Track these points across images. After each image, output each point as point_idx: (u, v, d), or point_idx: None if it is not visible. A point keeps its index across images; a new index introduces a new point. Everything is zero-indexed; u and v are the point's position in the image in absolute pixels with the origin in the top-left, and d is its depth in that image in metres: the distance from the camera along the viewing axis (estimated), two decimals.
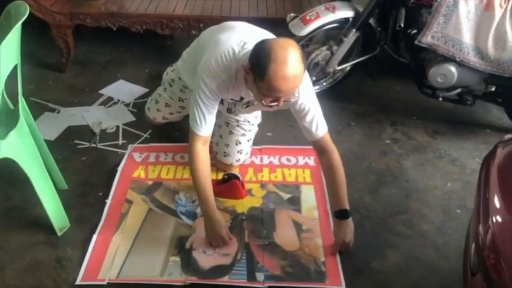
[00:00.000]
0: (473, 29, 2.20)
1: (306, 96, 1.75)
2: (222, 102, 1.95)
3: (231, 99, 1.89)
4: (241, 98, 1.87)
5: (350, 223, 1.82)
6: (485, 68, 2.26)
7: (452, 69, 2.32)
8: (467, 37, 2.22)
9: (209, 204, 1.79)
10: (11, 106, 1.82)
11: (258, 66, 1.52)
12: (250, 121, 2.15)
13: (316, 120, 1.81)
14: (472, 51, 2.24)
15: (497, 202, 1.24)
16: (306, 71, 1.75)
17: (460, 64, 2.29)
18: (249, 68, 1.58)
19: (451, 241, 1.89)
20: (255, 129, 2.21)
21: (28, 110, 1.87)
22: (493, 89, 2.38)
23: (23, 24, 1.54)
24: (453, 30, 2.22)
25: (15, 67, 1.60)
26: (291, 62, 1.48)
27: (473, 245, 1.29)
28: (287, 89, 1.53)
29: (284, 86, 1.51)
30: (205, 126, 1.76)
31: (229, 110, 2.05)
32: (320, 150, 1.87)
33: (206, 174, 1.79)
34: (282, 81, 1.50)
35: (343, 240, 1.80)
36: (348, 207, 1.82)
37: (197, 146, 1.77)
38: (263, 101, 1.61)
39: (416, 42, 2.29)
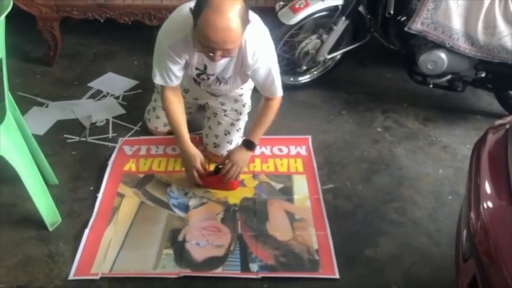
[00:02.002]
0: (462, 14, 2.20)
1: (266, 66, 1.79)
2: (199, 84, 2.01)
3: (197, 68, 1.87)
4: (205, 68, 1.86)
5: (248, 154, 1.99)
6: (475, 53, 2.26)
7: (442, 55, 2.31)
8: (457, 23, 2.21)
9: (184, 140, 1.91)
10: None
11: (195, 10, 1.54)
12: (238, 110, 2.15)
13: (273, 87, 1.88)
14: (461, 37, 2.23)
15: (488, 188, 1.25)
16: (269, 40, 1.82)
17: (450, 50, 2.28)
18: (191, 12, 1.59)
19: (443, 227, 1.90)
20: (244, 118, 2.20)
21: (15, 105, 1.84)
22: (483, 75, 2.38)
23: (9, 17, 1.51)
24: (443, 17, 2.21)
25: (0, 62, 1.57)
26: (225, 12, 1.48)
27: (465, 231, 1.30)
28: (217, 39, 1.51)
29: (213, 36, 1.50)
30: (167, 79, 1.84)
31: (208, 88, 2.05)
32: (267, 99, 1.97)
33: (178, 114, 1.91)
34: (212, 30, 1.49)
35: (235, 163, 1.94)
36: (257, 143, 1.98)
37: (167, 93, 1.89)
38: (197, 48, 1.64)
39: (406, 29, 2.28)
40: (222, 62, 1.77)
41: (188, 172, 1.96)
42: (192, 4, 1.64)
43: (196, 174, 1.93)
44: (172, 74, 1.82)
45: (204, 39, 1.54)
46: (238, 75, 1.89)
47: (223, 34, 1.51)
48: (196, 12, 1.53)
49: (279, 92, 1.92)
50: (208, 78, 1.93)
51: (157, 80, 1.85)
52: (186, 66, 1.86)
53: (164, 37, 1.75)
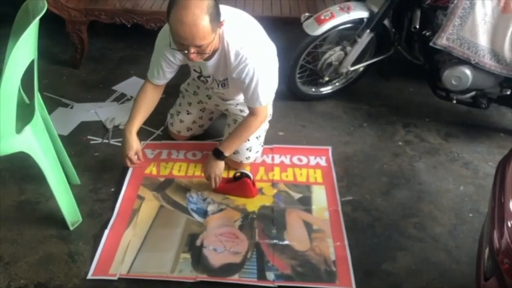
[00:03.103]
0: (489, 31, 2.18)
1: (251, 70, 1.81)
2: (208, 89, 2.10)
3: (195, 71, 1.98)
4: (201, 69, 1.95)
5: (220, 164, 2.02)
6: (501, 71, 2.24)
7: (467, 71, 2.30)
8: (483, 40, 2.20)
9: (132, 125, 1.95)
10: (27, 101, 1.83)
11: (167, 11, 1.62)
12: None
13: (256, 94, 1.87)
14: (487, 54, 2.22)
15: None
16: (258, 44, 1.86)
17: (475, 67, 2.27)
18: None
19: (463, 245, 1.88)
20: (264, 126, 2.20)
21: (43, 105, 1.89)
22: (508, 92, 2.35)
23: (39, 19, 1.55)
24: (469, 33, 2.20)
25: (32, 62, 1.61)
26: (191, 8, 1.55)
27: (487, 249, 1.28)
28: (185, 35, 1.59)
29: (181, 31, 1.58)
30: (157, 76, 1.95)
31: (211, 91, 2.13)
32: (251, 113, 1.97)
33: (144, 104, 1.98)
34: (179, 25, 1.57)
35: (209, 175, 2.00)
36: (227, 154, 2.01)
37: (147, 87, 1.99)
38: (173, 47, 1.71)
39: (431, 44, 2.27)
40: (212, 64, 1.85)
41: (122, 157, 1.98)
42: None
43: (128, 162, 1.97)
44: (161, 72, 1.93)
45: (175, 36, 1.62)
46: (231, 77, 1.91)
47: (191, 29, 1.57)
48: (168, 12, 1.61)
49: (259, 102, 1.89)
50: (207, 81, 2.00)
51: (148, 73, 1.97)
52: (188, 69, 1.98)
53: (160, 37, 1.88)
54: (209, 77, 1.97)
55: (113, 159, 2.26)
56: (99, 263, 1.75)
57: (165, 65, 1.92)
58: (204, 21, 1.58)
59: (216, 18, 1.63)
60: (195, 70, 2.00)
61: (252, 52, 1.81)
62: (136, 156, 1.98)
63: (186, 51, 1.66)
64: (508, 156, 1.41)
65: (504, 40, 2.17)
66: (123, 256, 1.77)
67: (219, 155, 1.99)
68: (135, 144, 1.96)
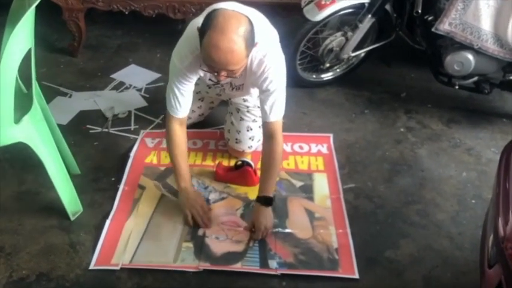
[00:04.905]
0: (493, 16, 2.15)
1: (275, 78, 1.74)
2: (210, 87, 2.01)
3: (210, 79, 1.86)
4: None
5: (270, 210, 1.83)
6: (504, 56, 2.21)
7: (470, 57, 2.27)
8: (486, 24, 2.17)
9: (186, 179, 1.87)
10: (25, 90, 1.81)
11: (201, 30, 1.53)
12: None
13: (276, 105, 1.77)
14: (490, 39, 2.19)
15: None
16: (276, 54, 1.75)
17: (478, 52, 2.24)
18: (198, 31, 1.57)
19: (466, 231, 1.87)
20: None
21: (41, 94, 1.86)
22: (511, 77, 2.33)
23: (35, 7, 1.52)
24: (472, 17, 2.17)
25: (29, 51, 1.59)
26: (228, 33, 1.47)
27: (491, 236, 1.27)
28: (219, 60, 1.50)
29: (216, 56, 1.49)
30: (181, 109, 1.82)
31: (219, 95, 2.08)
32: (268, 134, 1.83)
33: (184, 149, 1.88)
34: (214, 50, 1.48)
35: (265, 227, 1.79)
36: (272, 195, 1.83)
37: (174, 127, 1.85)
38: (203, 68, 1.63)
39: (433, 29, 2.24)
40: None
41: (187, 213, 1.84)
42: (201, 21, 1.60)
43: (191, 220, 1.83)
44: (182, 98, 1.80)
45: (208, 59, 1.53)
46: (249, 83, 1.88)
47: (226, 55, 1.49)
48: (202, 32, 1.52)
49: (277, 114, 1.79)
50: (221, 86, 1.94)
51: (168, 107, 1.83)
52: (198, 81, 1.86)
53: (178, 59, 1.73)
54: (226, 83, 1.90)
55: (113, 148, 2.24)
56: (101, 253, 1.74)
57: (184, 86, 1.78)
58: (240, 48, 1.49)
59: (251, 43, 1.54)
60: (210, 79, 1.86)
61: (276, 60, 1.73)
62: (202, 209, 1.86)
63: (216, 73, 1.58)
64: None
65: (507, 24, 2.14)
66: (125, 246, 1.77)
67: (268, 201, 1.81)
68: (199, 198, 1.87)
